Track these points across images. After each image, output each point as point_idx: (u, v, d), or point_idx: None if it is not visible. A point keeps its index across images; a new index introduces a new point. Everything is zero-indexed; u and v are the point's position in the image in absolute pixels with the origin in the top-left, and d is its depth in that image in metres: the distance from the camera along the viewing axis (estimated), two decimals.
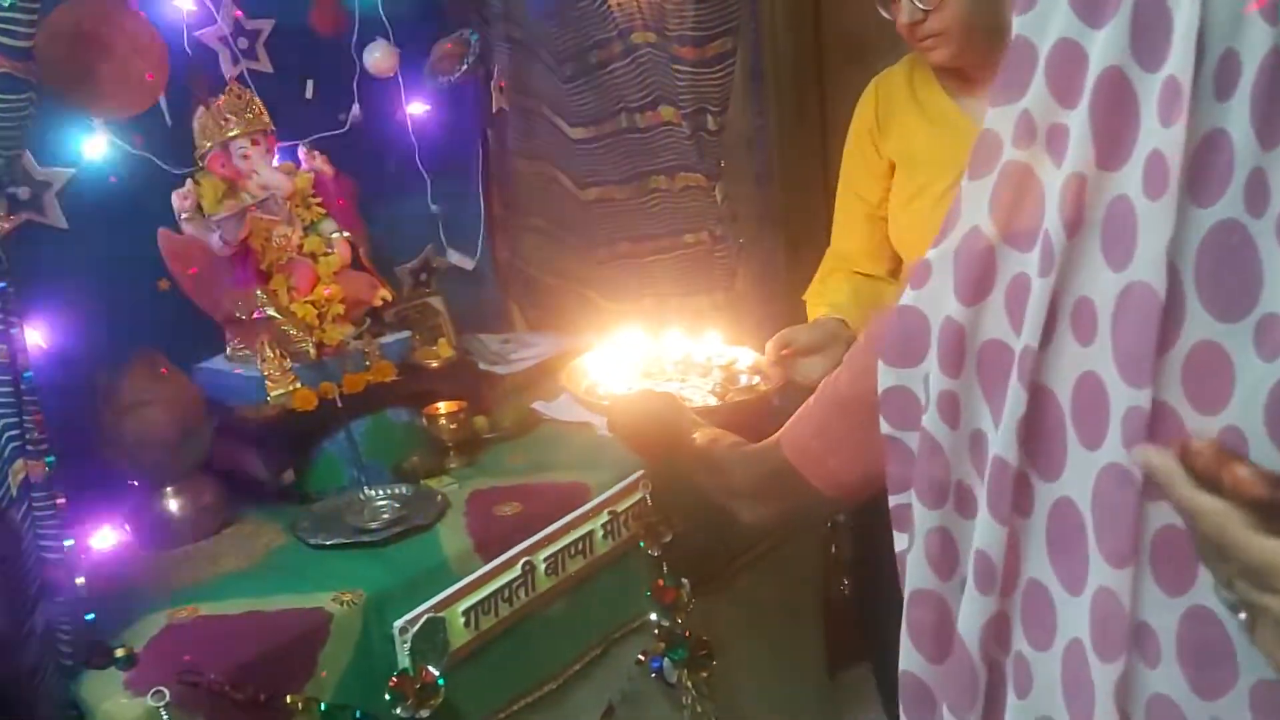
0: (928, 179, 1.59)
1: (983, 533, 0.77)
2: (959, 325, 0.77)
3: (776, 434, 1.02)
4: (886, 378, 0.83)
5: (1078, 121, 0.69)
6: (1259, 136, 0.63)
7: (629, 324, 1.81)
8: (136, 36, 1.45)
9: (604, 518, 1.60)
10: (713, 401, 1.67)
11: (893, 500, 0.85)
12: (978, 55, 1.51)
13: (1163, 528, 0.68)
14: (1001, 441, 0.74)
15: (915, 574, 0.82)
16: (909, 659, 0.84)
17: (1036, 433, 0.74)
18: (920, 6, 1.48)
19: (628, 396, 1.38)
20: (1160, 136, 0.66)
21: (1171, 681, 0.69)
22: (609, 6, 2.08)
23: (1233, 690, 0.68)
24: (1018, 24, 0.73)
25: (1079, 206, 0.69)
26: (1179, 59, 0.65)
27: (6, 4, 1.07)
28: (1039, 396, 0.73)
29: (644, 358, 1.82)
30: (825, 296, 1.75)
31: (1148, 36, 0.67)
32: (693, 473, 1.21)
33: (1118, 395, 0.68)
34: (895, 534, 0.85)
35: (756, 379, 1.71)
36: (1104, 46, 0.68)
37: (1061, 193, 0.70)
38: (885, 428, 0.84)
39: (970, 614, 0.78)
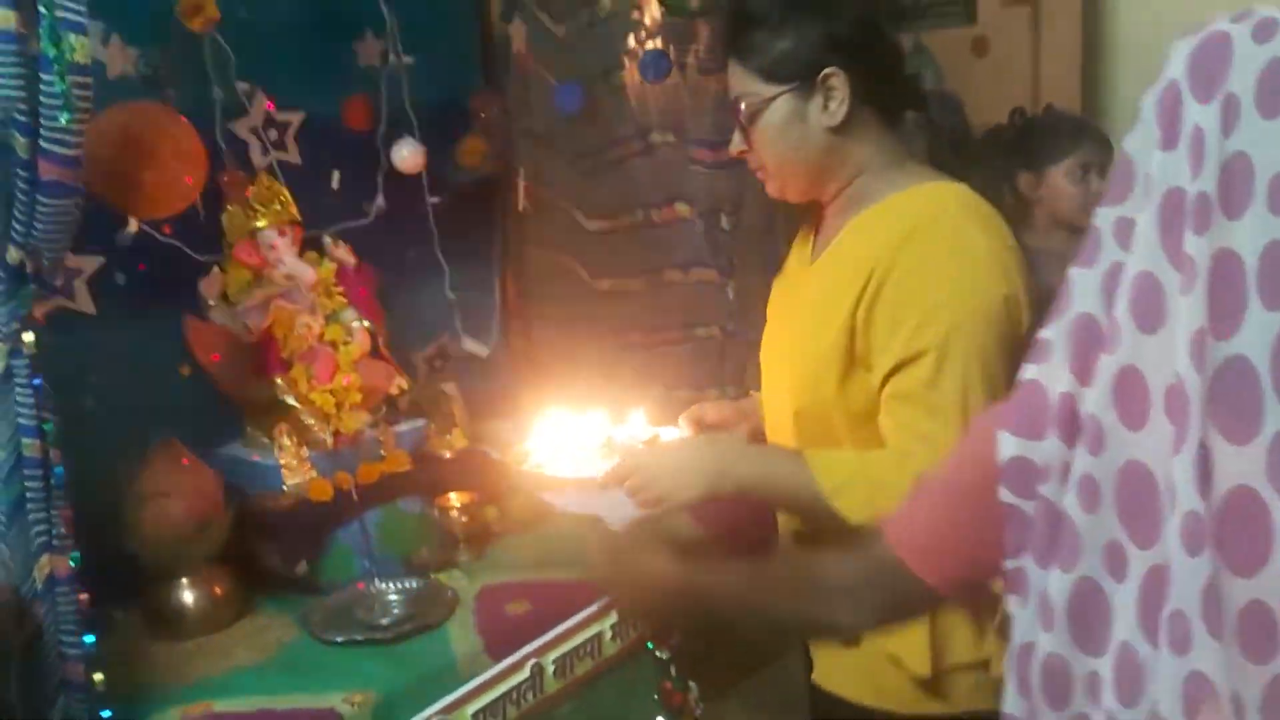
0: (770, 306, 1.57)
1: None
2: (1073, 400, 0.82)
3: (870, 529, 1.02)
4: (1008, 447, 0.86)
5: (1144, 224, 0.77)
6: None
7: (553, 408, 1.81)
8: (179, 142, 1.50)
9: (613, 618, 1.61)
10: None
11: (1009, 564, 0.89)
12: (809, 192, 1.42)
13: (1249, 602, 0.72)
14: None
15: (1024, 629, 0.87)
16: (1013, 704, 0.88)
17: (1132, 506, 0.78)
18: (738, 145, 1.41)
19: (623, 569, 1.21)
20: (1192, 243, 0.73)
21: None
22: (629, 106, 2.15)
23: None
24: (1125, 141, 0.81)
25: (1141, 301, 0.76)
26: (1207, 179, 0.72)
27: (63, 121, 1.11)
28: (1134, 472, 0.78)
29: (574, 439, 1.80)
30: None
31: (1191, 156, 0.74)
32: (748, 601, 1.11)
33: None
34: (1009, 596, 0.89)
35: None
36: (1162, 166, 0.76)
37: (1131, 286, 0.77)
38: (1006, 495, 0.87)
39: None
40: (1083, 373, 0.82)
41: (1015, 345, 1.20)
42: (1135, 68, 2.34)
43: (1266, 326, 0.69)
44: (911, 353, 1.23)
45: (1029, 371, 0.86)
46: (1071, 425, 0.82)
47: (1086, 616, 0.82)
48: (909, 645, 1.31)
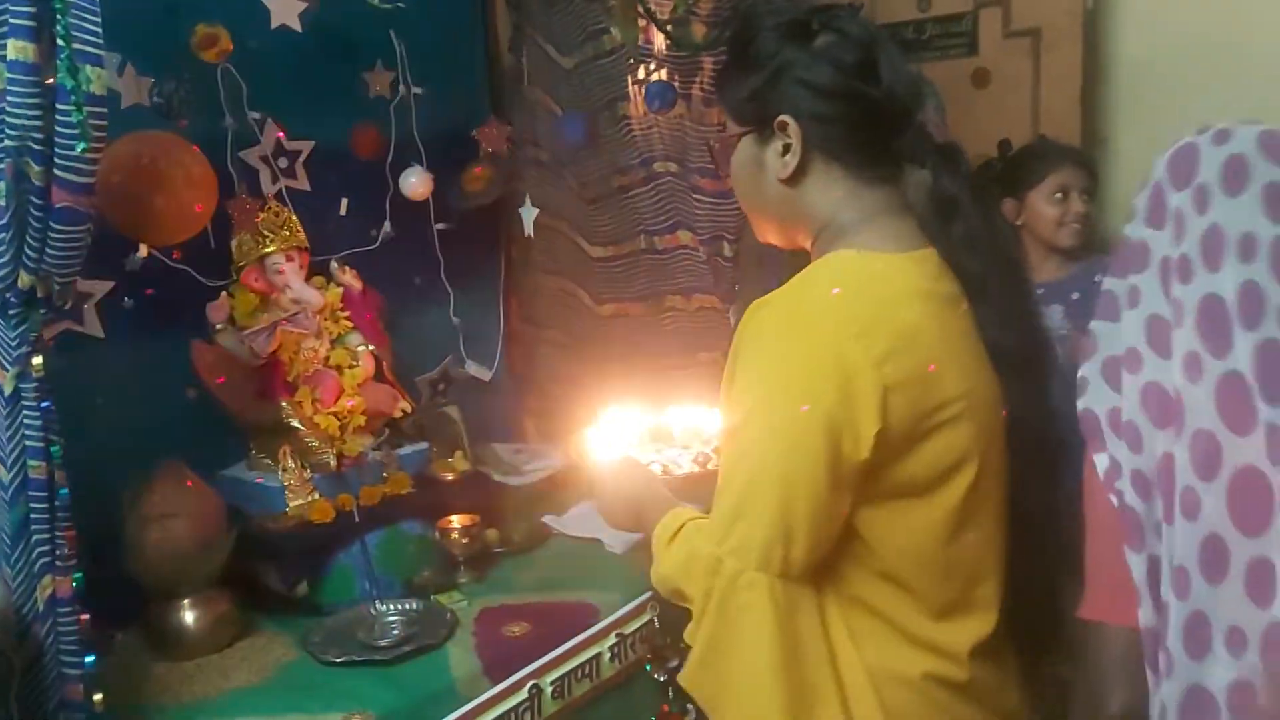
0: None
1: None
2: (1119, 411, 1.08)
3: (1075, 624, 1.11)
4: (1102, 461, 1.08)
5: (1147, 284, 1.06)
6: None
7: (628, 399, 1.80)
8: (191, 171, 1.52)
9: (611, 640, 1.63)
10: (695, 469, 1.67)
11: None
12: (781, 239, 1.31)
13: (1253, 558, 0.95)
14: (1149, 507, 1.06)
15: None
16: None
17: (1163, 489, 1.03)
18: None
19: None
20: (1179, 290, 1.03)
21: None
22: (633, 136, 2.18)
23: None
24: (1127, 229, 1.11)
25: (1154, 335, 1.05)
26: (1189, 245, 1.03)
27: (78, 150, 1.14)
28: (1164, 463, 1.02)
29: (644, 428, 1.80)
30: None
31: (1173, 231, 1.04)
32: None
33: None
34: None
35: None
36: (1154, 241, 1.07)
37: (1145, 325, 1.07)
38: (1116, 501, 1.06)
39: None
40: (1119, 391, 1.07)
41: (836, 440, 1.06)
42: (1136, 98, 2.36)
43: (1248, 340, 0.96)
44: (727, 426, 1.15)
45: (1080, 404, 1.11)
46: (1119, 429, 1.07)
47: (1155, 589, 1.02)
48: None
